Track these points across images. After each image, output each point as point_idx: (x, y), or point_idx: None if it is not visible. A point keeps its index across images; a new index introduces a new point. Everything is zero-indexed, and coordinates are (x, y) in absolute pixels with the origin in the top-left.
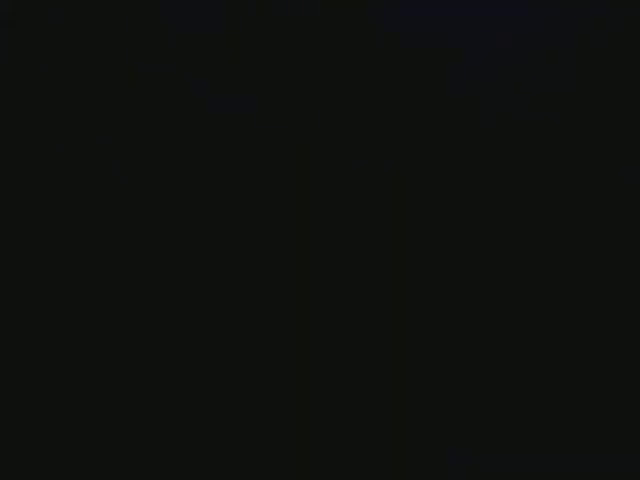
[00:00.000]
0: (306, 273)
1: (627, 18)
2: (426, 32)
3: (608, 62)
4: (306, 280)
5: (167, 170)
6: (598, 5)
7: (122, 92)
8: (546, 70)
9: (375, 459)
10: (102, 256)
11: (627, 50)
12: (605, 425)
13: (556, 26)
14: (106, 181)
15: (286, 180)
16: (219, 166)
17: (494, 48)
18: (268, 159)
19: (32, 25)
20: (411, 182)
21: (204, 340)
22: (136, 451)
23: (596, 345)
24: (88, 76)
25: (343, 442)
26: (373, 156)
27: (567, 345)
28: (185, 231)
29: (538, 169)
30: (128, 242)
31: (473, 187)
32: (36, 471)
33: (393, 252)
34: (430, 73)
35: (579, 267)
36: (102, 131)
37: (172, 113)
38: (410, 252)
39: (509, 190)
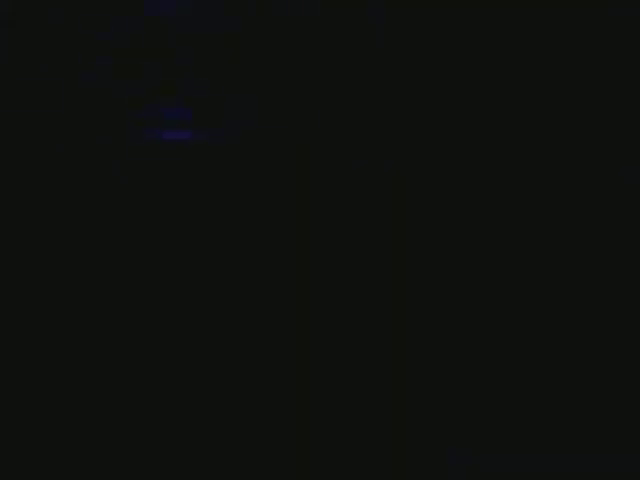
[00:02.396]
0: (306, 273)
1: (627, 18)
2: None
3: (608, 61)
4: (306, 280)
5: (167, 170)
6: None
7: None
8: None
9: (375, 459)
10: (102, 256)
11: (627, 50)
12: (605, 425)
13: None
14: (106, 181)
15: (286, 180)
16: (219, 165)
17: None
18: (268, 159)
19: (32, 25)
20: (411, 182)
21: (204, 340)
22: (136, 451)
23: (596, 345)
24: (88, 76)
25: (343, 442)
26: (373, 156)
27: (567, 345)
28: (185, 231)
29: (538, 169)
30: (128, 242)
31: (473, 187)
32: (36, 471)
33: (393, 252)
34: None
35: (579, 267)
36: (102, 131)
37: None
38: (410, 252)
39: (509, 190)
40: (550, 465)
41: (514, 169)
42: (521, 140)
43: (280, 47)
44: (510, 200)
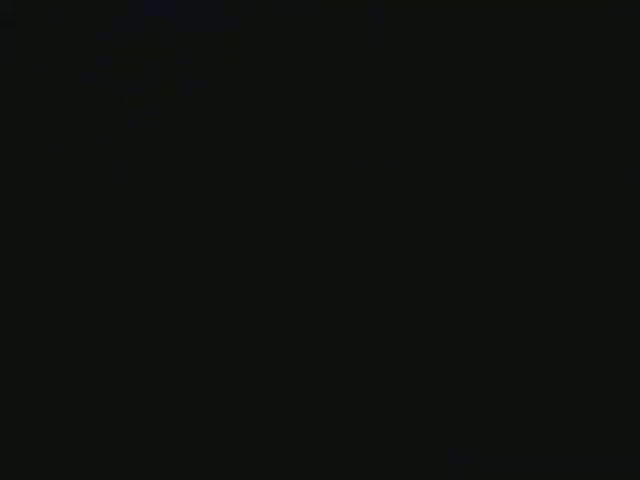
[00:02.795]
0: (306, 273)
1: (627, 18)
2: None
3: (608, 61)
4: (306, 280)
5: (167, 170)
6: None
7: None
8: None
9: (375, 459)
10: (102, 256)
11: (627, 50)
12: (605, 425)
13: None
14: (106, 181)
15: (286, 180)
16: (219, 166)
17: None
18: (268, 159)
19: (32, 25)
20: (411, 182)
21: (204, 340)
22: (136, 451)
23: (596, 345)
24: (88, 76)
25: (343, 442)
26: (373, 156)
27: (567, 345)
28: (185, 231)
29: (538, 169)
30: (128, 242)
31: (473, 187)
32: (36, 471)
33: (393, 252)
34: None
35: (579, 267)
36: (102, 131)
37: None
38: (410, 252)
39: (509, 190)
40: (550, 465)
41: (514, 169)
42: (521, 140)
43: (280, 47)
44: (510, 200)
